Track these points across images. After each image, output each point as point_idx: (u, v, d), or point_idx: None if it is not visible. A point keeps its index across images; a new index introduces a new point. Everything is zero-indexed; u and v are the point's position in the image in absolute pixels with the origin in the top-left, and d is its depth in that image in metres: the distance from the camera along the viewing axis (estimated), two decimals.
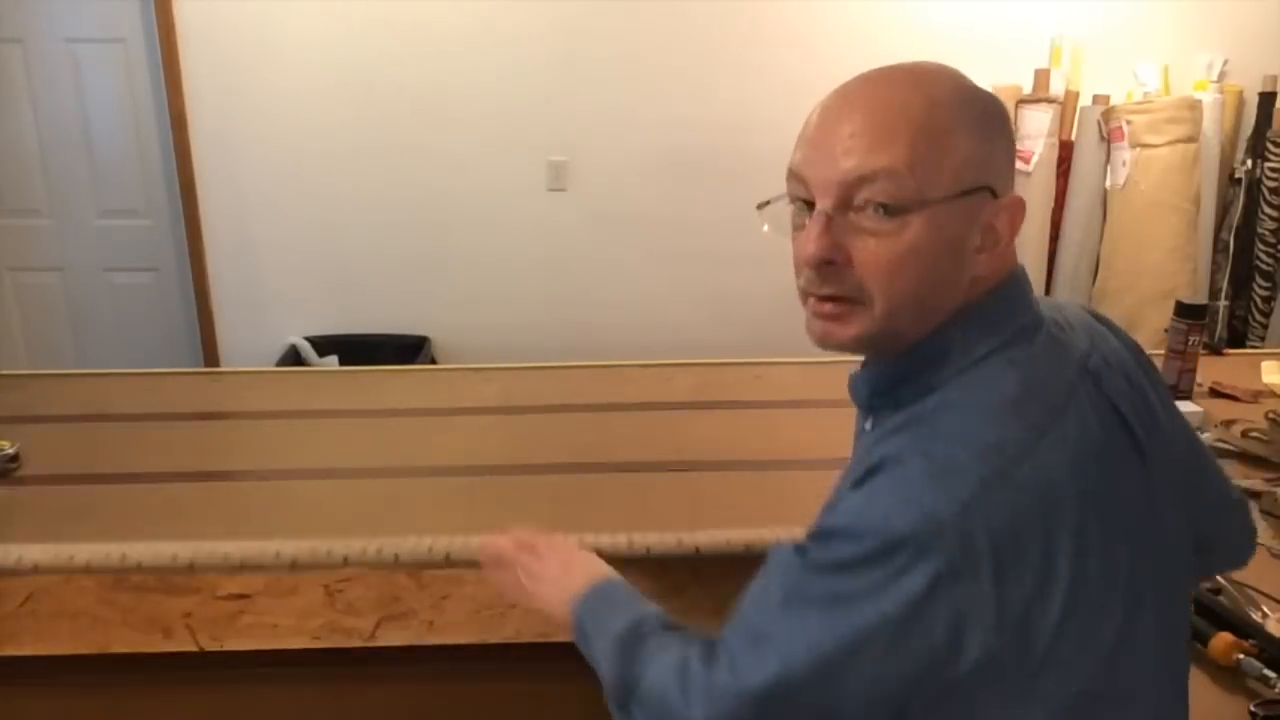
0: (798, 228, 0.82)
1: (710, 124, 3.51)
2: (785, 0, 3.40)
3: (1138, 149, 3.29)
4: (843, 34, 3.43)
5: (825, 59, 3.45)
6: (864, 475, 0.77)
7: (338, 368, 3.39)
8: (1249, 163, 3.34)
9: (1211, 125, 3.36)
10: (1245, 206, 3.36)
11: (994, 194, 0.78)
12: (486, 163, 3.51)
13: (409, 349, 3.57)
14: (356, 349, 3.53)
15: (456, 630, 1.38)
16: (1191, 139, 3.30)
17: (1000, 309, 0.81)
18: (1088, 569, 0.74)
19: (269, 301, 3.62)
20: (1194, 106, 3.31)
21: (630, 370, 2.68)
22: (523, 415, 2.38)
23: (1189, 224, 3.33)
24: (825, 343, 0.83)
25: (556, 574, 1.06)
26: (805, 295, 0.83)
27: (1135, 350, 0.91)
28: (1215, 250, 3.48)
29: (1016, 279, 0.83)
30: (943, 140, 0.76)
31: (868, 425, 0.88)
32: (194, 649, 1.37)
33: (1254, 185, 3.33)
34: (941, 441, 0.75)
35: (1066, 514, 0.74)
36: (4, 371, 2.84)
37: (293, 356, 3.52)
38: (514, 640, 1.37)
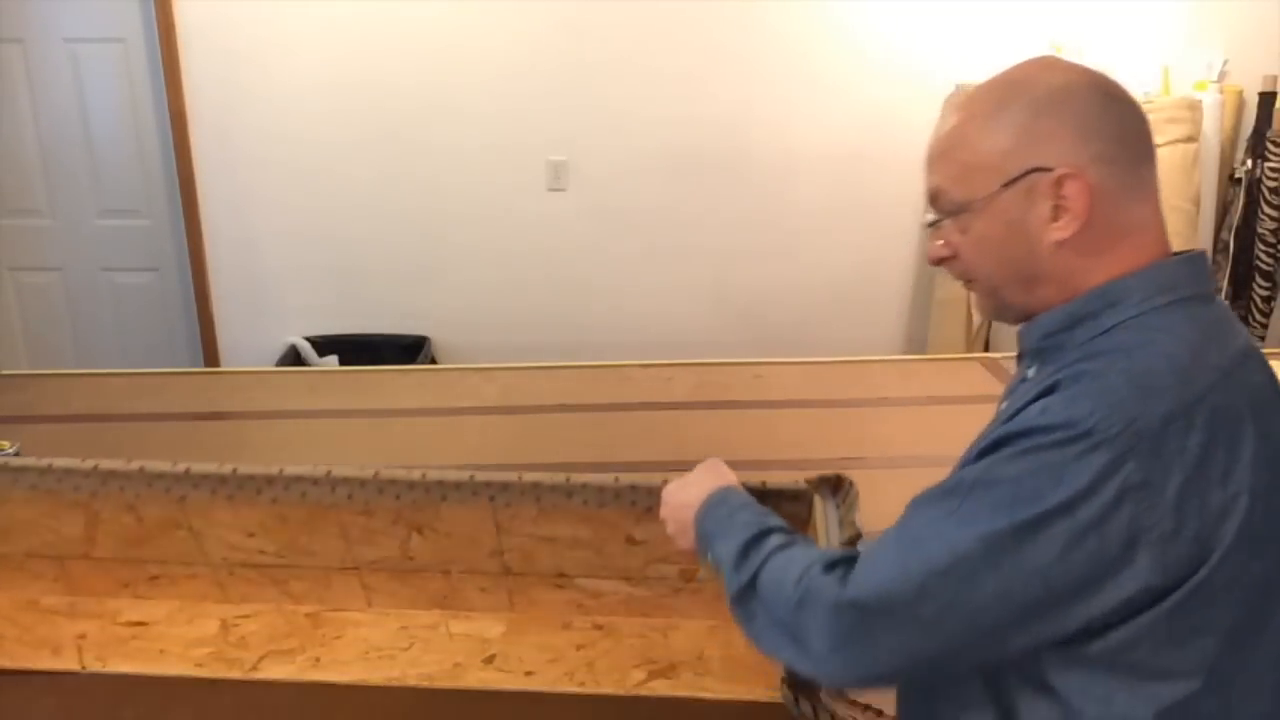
0: None
1: (710, 123, 3.51)
2: (785, 0, 3.40)
3: None
4: (842, 34, 3.43)
5: (824, 59, 3.45)
6: (1049, 388, 0.82)
7: (338, 368, 3.39)
8: (1249, 163, 3.34)
9: (1211, 125, 3.35)
10: (1245, 206, 3.35)
11: (1048, 169, 0.85)
12: (486, 162, 3.51)
13: (409, 349, 3.57)
14: (356, 349, 3.52)
15: (341, 669, 1.39)
16: (1191, 139, 3.29)
17: (1181, 272, 0.88)
18: (1255, 511, 0.79)
19: (269, 301, 3.62)
20: (1194, 106, 3.31)
21: (630, 370, 2.67)
22: (523, 415, 2.38)
23: (1189, 224, 3.32)
24: (981, 315, 0.98)
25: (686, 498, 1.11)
26: None
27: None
28: (1215, 250, 3.48)
29: (1202, 256, 0.91)
30: (974, 151, 0.88)
31: (1030, 371, 0.94)
32: (76, 668, 1.38)
33: (1254, 185, 3.32)
34: (1141, 362, 0.81)
35: (1245, 450, 0.79)
36: (4, 371, 2.84)
37: (293, 356, 3.52)
38: (398, 683, 1.36)
